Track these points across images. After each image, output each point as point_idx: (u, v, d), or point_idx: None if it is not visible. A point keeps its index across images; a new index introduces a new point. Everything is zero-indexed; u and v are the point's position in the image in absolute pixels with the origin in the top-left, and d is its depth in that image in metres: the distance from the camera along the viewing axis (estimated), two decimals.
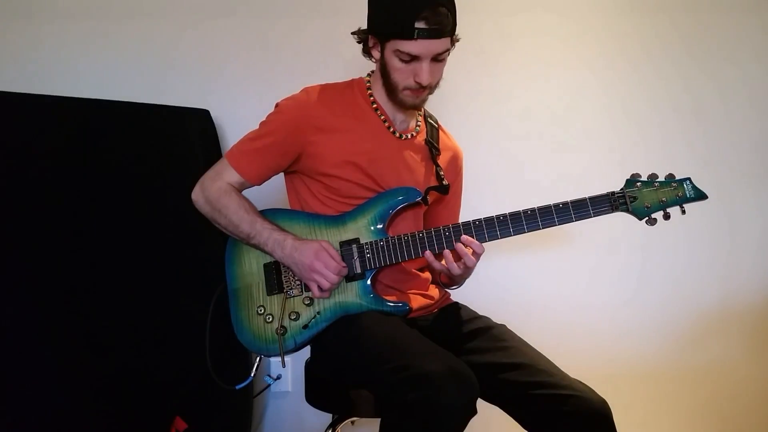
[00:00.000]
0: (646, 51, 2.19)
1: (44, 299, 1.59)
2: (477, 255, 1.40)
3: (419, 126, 1.57)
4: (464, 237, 1.39)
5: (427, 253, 1.40)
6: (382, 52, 1.43)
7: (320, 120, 1.45)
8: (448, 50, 1.41)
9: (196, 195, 1.48)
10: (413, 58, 1.38)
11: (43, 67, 2.07)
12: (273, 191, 1.67)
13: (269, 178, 1.50)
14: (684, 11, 2.18)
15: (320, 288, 1.39)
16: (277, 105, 1.49)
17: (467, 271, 1.43)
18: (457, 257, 1.40)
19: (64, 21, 2.09)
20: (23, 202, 1.59)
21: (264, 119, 1.49)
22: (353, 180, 1.46)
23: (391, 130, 1.51)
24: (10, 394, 1.51)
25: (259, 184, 1.50)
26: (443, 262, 1.42)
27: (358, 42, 1.50)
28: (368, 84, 1.53)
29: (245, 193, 1.49)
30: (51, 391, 1.56)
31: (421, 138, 1.56)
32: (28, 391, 1.54)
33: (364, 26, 1.47)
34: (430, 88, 1.45)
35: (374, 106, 1.51)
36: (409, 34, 1.34)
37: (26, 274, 1.58)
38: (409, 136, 1.54)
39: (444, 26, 1.36)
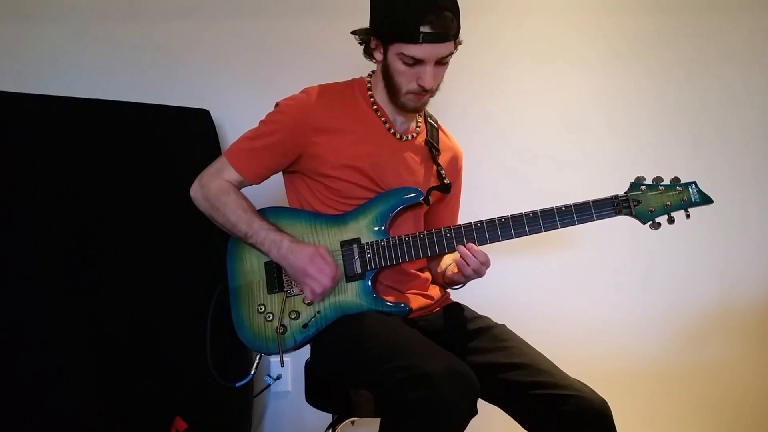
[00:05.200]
0: (651, 54, 2.19)
1: (44, 299, 1.59)
2: (484, 264, 1.39)
3: (419, 127, 1.57)
4: (470, 245, 1.39)
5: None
6: (385, 55, 1.42)
7: (321, 121, 1.45)
8: (451, 53, 1.40)
9: (195, 192, 1.47)
10: (417, 62, 1.37)
11: (44, 67, 2.07)
12: (272, 189, 1.67)
13: (268, 177, 1.50)
14: (684, 12, 2.18)
15: (313, 292, 1.39)
16: (277, 104, 1.48)
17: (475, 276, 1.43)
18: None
19: (63, 21, 2.09)
20: (23, 203, 1.59)
21: (264, 118, 1.48)
22: (354, 182, 1.45)
23: (392, 131, 1.51)
24: (10, 393, 1.51)
25: (258, 183, 1.50)
26: (454, 270, 1.44)
27: (360, 43, 1.49)
28: (369, 85, 1.53)
29: (244, 191, 1.48)
30: (51, 390, 1.56)
31: (422, 139, 1.55)
32: (28, 391, 1.53)
33: (365, 25, 1.46)
34: (432, 92, 1.45)
35: (375, 107, 1.51)
36: (414, 38, 1.33)
37: (26, 273, 1.57)
38: (410, 137, 1.53)
39: (449, 30, 1.35)
